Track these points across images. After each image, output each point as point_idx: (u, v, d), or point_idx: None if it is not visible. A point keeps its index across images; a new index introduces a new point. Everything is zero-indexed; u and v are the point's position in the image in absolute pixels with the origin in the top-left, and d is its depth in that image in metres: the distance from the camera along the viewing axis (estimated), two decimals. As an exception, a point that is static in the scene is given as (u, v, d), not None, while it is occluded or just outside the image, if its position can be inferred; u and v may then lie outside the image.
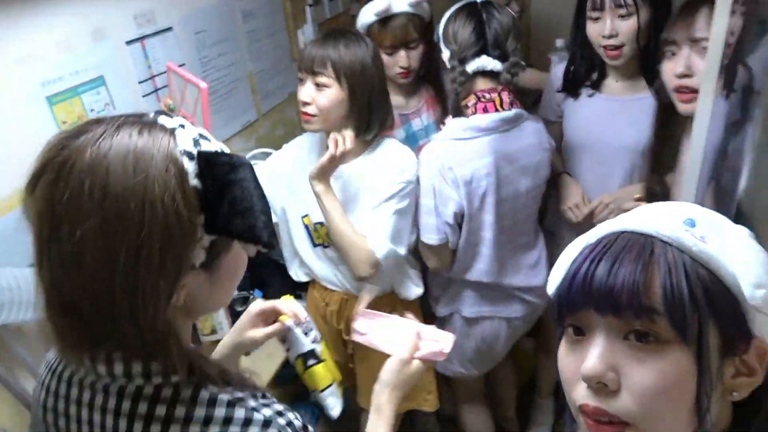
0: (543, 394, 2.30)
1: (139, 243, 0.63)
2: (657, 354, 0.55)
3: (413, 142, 1.84)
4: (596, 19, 1.51)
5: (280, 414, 0.74)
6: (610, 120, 1.67)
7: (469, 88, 1.53)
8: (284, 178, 1.62)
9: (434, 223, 1.56)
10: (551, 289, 0.66)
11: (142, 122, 0.69)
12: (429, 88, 1.88)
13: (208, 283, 0.74)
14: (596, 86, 1.70)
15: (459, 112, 1.56)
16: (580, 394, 0.59)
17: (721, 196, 0.91)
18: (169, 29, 1.68)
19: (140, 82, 1.60)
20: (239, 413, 0.71)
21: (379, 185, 1.50)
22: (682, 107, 1.25)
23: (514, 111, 1.52)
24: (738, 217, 0.76)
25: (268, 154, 1.81)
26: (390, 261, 1.52)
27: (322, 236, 1.59)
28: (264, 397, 0.77)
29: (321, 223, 1.56)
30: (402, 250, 1.54)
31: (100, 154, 0.64)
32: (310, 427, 0.78)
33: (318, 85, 1.40)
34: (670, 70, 1.26)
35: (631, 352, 0.56)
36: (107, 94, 1.49)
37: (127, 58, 1.55)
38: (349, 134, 1.42)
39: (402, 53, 1.69)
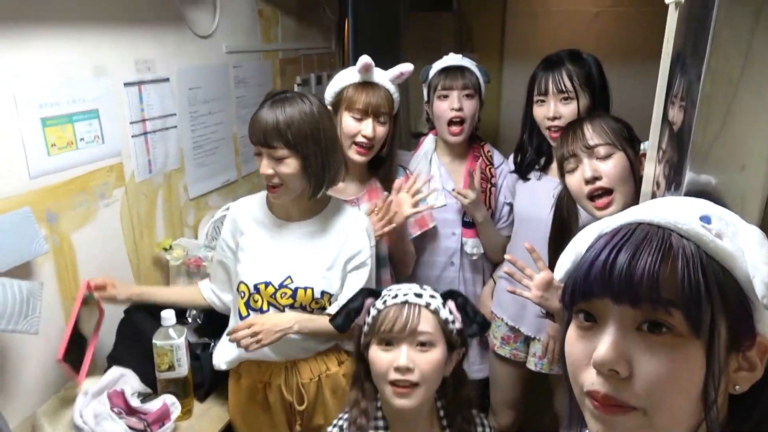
0: None
1: None
2: (669, 346, 0.56)
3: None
4: (542, 103, 1.69)
5: None
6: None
7: None
8: (237, 235, 1.55)
9: None
10: (560, 274, 0.67)
11: None
12: (376, 181, 1.81)
13: None
14: (544, 170, 1.85)
15: None
16: (588, 380, 0.60)
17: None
18: (166, 79, 1.79)
19: (131, 123, 1.67)
20: None
21: (344, 247, 1.50)
22: (600, 213, 1.34)
23: None
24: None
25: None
26: None
27: (266, 297, 1.48)
28: None
29: (265, 284, 1.47)
30: None
31: None
32: None
33: (276, 159, 1.39)
34: (577, 180, 1.37)
35: (643, 342, 0.57)
36: (99, 127, 1.56)
37: (123, 98, 1.64)
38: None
39: (369, 121, 1.66)
